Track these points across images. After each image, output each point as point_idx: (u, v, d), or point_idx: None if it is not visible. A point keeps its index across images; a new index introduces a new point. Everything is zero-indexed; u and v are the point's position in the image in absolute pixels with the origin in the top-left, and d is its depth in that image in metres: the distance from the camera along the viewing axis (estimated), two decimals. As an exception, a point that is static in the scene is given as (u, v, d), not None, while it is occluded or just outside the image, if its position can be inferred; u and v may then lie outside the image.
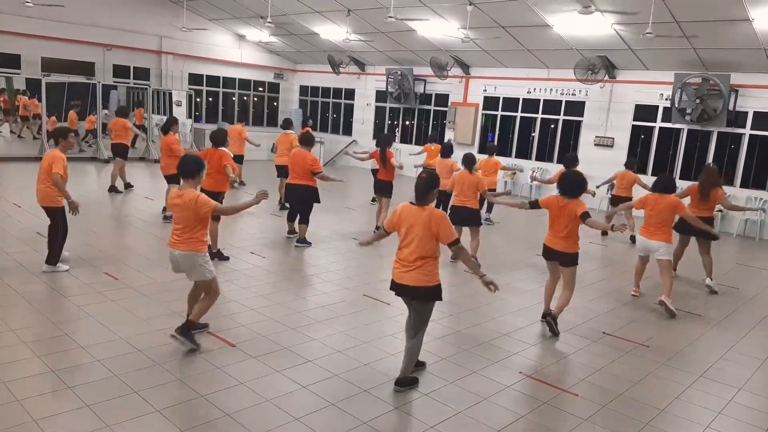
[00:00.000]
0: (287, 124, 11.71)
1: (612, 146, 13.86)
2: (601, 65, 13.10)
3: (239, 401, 3.97)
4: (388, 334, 5.41)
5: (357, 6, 13.78)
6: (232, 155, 12.95)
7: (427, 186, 4.18)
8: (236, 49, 19.62)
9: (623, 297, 7.15)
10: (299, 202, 8.39)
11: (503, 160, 15.55)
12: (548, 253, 5.72)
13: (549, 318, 5.65)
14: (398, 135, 18.58)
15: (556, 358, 5.20)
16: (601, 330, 5.94)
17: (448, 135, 16.77)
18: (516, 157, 15.75)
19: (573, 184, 5.56)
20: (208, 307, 4.84)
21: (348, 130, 19.87)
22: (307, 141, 8.39)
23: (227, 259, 7.35)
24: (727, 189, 12.35)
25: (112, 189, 11.21)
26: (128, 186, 11.54)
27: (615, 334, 5.84)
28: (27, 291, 5.72)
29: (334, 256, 8.01)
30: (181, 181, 4.72)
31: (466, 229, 7.90)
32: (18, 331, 4.81)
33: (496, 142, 16.09)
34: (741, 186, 12.38)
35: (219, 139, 7.51)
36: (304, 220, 8.35)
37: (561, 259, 5.62)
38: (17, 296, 5.58)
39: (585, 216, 5.39)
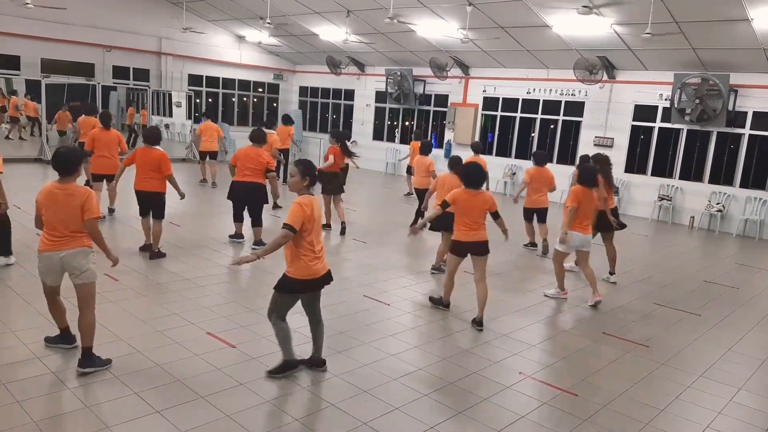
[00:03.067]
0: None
1: (612, 146, 13.86)
2: (600, 65, 13.11)
3: (239, 402, 3.97)
4: (388, 335, 5.41)
5: (356, 7, 13.79)
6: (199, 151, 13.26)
7: (301, 177, 4.20)
8: (236, 50, 19.62)
9: (623, 297, 7.15)
10: (251, 200, 7.90)
11: (503, 161, 15.72)
12: (463, 248, 5.73)
13: (478, 324, 5.69)
14: (398, 136, 18.60)
15: (556, 358, 5.20)
16: (600, 330, 5.95)
17: (448, 135, 16.79)
18: (516, 157, 15.75)
19: (478, 176, 5.73)
20: (94, 322, 4.30)
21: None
22: (259, 139, 8.01)
23: (164, 255, 7.22)
24: (727, 189, 12.46)
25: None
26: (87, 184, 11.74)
27: (614, 335, 5.84)
28: (26, 292, 5.71)
29: (333, 257, 8.00)
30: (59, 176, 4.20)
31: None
32: (18, 332, 4.81)
33: (495, 142, 16.14)
34: (741, 186, 12.39)
35: (152, 136, 7.30)
36: (259, 221, 7.97)
37: (477, 250, 5.68)
38: (16, 297, 5.57)
39: (497, 215, 5.73)
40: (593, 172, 6.75)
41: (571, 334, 5.81)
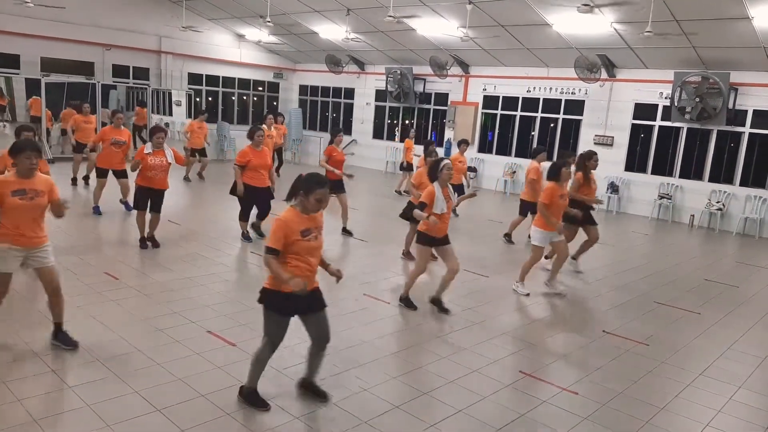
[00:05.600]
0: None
1: (612, 145, 13.86)
2: (600, 64, 13.10)
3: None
4: (388, 334, 5.41)
5: (356, 5, 13.78)
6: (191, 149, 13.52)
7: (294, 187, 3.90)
8: (236, 49, 19.60)
9: (623, 296, 7.16)
10: (265, 201, 8.23)
11: (503, 159, 15.73)
12: (439, 239, 5.91)
13: (439, 303, 6.04)
14: (398, 134, 18.60)
15: (556, 356, 5.20)
16: (600, 328, 5.95)
17: (448, 134, 16.79)
18: (516, 156, 15.75)
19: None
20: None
21: (348, 130, 19.84)
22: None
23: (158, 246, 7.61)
24: (727, 188, 12.46)
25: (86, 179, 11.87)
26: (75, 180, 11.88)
27: (615, 333, 5.84)
28: (27, 291, 5.72)
29: (334, 256, 8.00)
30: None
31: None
32: (18, 331, 4.81)
33: (495, 141, 16.14)
34: (741, 184, 12.38)
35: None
36: (266, 215, 8.21)
37: (444, 240, 5.91)
38: (17, 296, 5.57)
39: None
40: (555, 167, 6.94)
41: (571, 332, 5.81)
